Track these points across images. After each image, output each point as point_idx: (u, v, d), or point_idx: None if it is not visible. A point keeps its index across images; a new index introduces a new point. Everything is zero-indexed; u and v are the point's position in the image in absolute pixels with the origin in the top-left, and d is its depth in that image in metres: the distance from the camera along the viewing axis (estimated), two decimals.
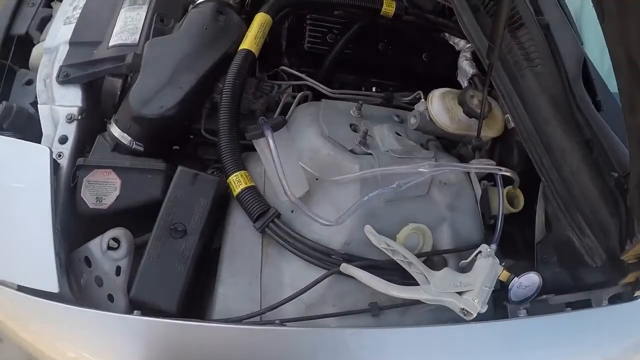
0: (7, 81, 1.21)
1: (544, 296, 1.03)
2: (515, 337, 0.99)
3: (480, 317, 0.92)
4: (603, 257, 1.00)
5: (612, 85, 1.04)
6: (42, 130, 1.09)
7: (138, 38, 1.14)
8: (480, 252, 0.97)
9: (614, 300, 1.06)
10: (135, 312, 0.91)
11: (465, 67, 1.24)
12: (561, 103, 1.09)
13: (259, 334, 0.89)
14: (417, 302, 0.94)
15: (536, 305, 1.04)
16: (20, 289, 0.90)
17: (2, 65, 1.24)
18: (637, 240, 0.90)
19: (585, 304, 1.06)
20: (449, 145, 1.24)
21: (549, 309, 1.04)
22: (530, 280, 0.99)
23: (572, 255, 1.04)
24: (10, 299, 0.93)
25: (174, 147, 1.21)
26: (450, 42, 1.37)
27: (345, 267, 0.91)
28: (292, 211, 1.01)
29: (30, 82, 1.20)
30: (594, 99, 1.18)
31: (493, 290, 0.97)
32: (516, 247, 1.18)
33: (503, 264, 0.97)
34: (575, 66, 1.14)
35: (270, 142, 0.90)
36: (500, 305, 1.03)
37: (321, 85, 1.21)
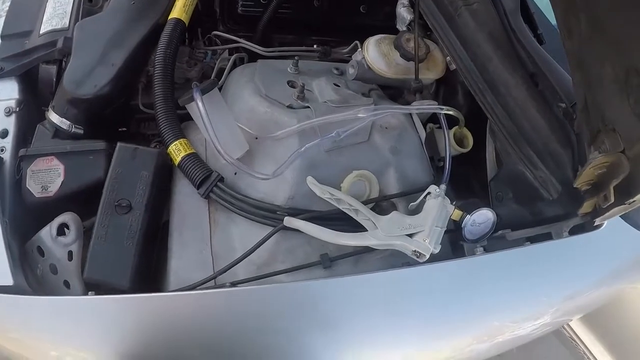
0: None
1: (500, 232, 1.06)
2: (472, 274, 1.02)
3: (437, 259, 0.95)
4: (558, 189, 1.02)
5: (552, 18, 1.06)
6: None
7: (68, 22, 1.16)
8: (429, 193, 0.99)
9: (575, 231, 1.09)
10: (90, 293, 0.94)
11: (403, 13, 1.26)
12: (500, 38, 1.11)
13: (210, 298, 0.93)
14: (369, 250, 0.97)
15: (494, 242, 1.06)
16: None
17: None
18: (589, 164, 0.91)
19: (546, 238, 1.08)
20: (396, 94, 1.26)
21: (508, 245, 1.06)
22: (483, 216, 1.01)
23: (527, 189, 1.07)
24: None
25: (120, 129, 1.24)
26: None
27: (289, 221, 0.93)
28: (235, 173, 1.04)
29: None
30: (535, 33, 1.20)
31: (448, 231, 1.00)
32: (471, 187, 1.21)
33: (454, 202, 0.99)
34: (513, 1, 1.16)
35: (199, 104, 0.93)
36: (458, 246, 1.06)
37: (255, 46, 1.23)
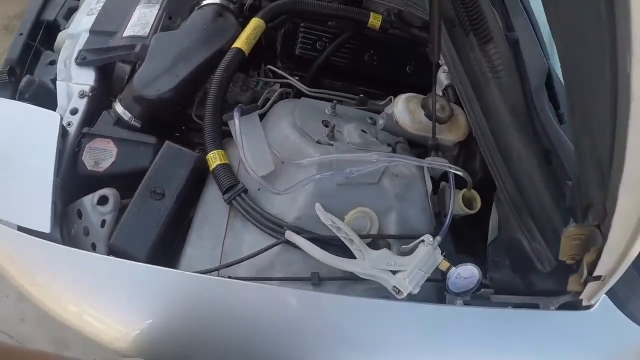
0: (34, 60, 1.48)
1: (484, 291, 1.14)
2: (448, 324, 1.10)
3: (413, 298, 1.04)
4: (553, 263, 1.07)
5: None
6: (58, 102, 1.33)
7: (148, 31, 1.38)
8: (422, 240, 1.10)
9: (564, 307, 1.10)
10: (112, 257, 1.10)
11: (442, 78, 1.41)
12: (521, 112, 1.21)
13: (211, 283, 1.06)
14: (357, 279, 1.10)
15: (477, 301, 1.12)
16: (20, 229, 1.10)
17: (30, 46, 1.50)
18: (563, 232, 0.95)
19: (533, 307, 1.12)
20: (423, 154, 1.36)
21: (490, 306, 1.13)
22: (469, 272, 1.08)
23: (522, 259, 1.13)
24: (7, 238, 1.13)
25: (175, 134, 1.44)
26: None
27: (289, 234, 1.08)
28: (258, 189, 1.21)
29: (53, 63, 1.45)
30: (557, 112, 1.30)
31: (435, 280, 1.10)
32: (474, 248, 1.29)
33: (444, 253, 1.09)
34: (539, 78, 1.27)
35: (236, 121, 1.10)
36: (442, 295, 1.15)
37: (300, 84, 1.42)
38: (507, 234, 1.18)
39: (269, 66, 1.48)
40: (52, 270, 1.10)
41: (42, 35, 1.54)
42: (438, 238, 1.11)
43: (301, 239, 1.07)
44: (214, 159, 1.21)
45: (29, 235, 1.08)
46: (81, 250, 1.08)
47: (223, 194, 1.19)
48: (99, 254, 1.10)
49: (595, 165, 0.87)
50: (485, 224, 1.27)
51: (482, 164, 1.30)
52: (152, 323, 1.03)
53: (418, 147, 1.40)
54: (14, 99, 1.38)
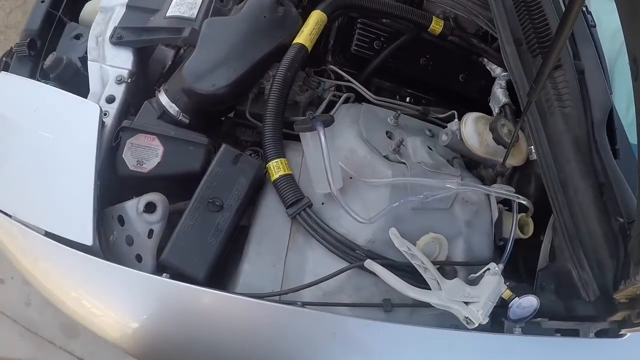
0: (56, 32, 1.31)
1: (538, 319, 1.19)
2: (507, 350, 1.15)
3: (480, 328, 1.06)
4: (596, 293, 1.13)
5: (633, 137, 1.19)
6: (90, 87, 1.19)
7: (196, 13, 1.24)
8: (488, 269, 1.12)
9: (600, 334, 1.18)
10: (164, 274, 1.01)
11: (499, 94, 1.39)
12: (583, 145, 1.23)
13: (278, 311, 1.02)
14: (427, 305, 1.09)
15: (530, 326, 1.17)
16: (49, 235, 1.00)
17: (52, 16, 1.32)
18: (632, 283, 1.03)
19: (574, 333, 1.19)
20: (470, 164, 1.39)
21: (541, 332, 1.18)
22: (529, 302, 1.12)
23: (569, 286, 1.17)
24: (39, 244, 1.04)
25: (220, 129, 1.32)
26: (487, 68, 1.51)
27: (370, 264, 1.04)
28: (322, 203, 1.15)
29: (79, 37, 1.30)
30: (613, 147, 1.31)
31: (494, 305, 1.13)
32: (517, 269, 1.33)
33: (507, 283, 1.12)
34: (602, 113, 1.27)
35: (322, 138, 1.03)
36: (497, 320, 1.17)
37: (365, 90, 1.35)
38: (559, 264, 1.22)
39: (331, 66, 1.39)
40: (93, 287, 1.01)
41: (67, 3, 1.36)
42: (501, 266, 1.14)
43: (382, 268, 1.04)
44: (277, 168, 1.13)
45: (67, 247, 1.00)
46: (137, 272, 1.00)
47: (287, 208, 1.12)
48: (151, 275, 1.02)
49: None
50: (530, 247, 1.31)
51: (536, 189, 1.34)
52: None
53: (472, 163, 1.39)
54: (34, 77, 1.22)
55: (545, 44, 1.27)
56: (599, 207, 1.19)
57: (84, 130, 1.08)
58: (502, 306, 1.14)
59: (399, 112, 1.27)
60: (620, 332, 1.17)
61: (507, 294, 1.11)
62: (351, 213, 1.05)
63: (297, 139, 1.16)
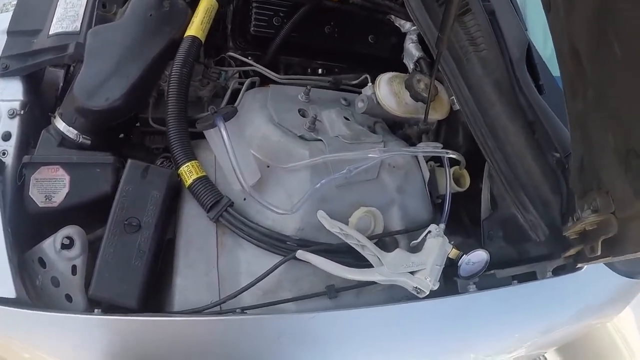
0: None
1: (492, 271, 1.16)
2: (466, 310, 1.13)
3: (433, 294, 1.03)
4: (546, 232, 1.13)
5: (555, 69, 1.15)
6: None
7: (79, 25, 1.17)
8: (430, 232, 1.09)
9: (557, 271, 1.20)
10: (96, 310, 0.97)
11: (412, 49, 1.35)
12: (505, 86, 1.21)
13: (221, 323, 0.99)
14: (372, 283, 1.06)
15: (484, 279, 1.16)
16: None
17: None
18: (579, 218, 1.02)
19: (531, 276, 1.19)
20: (394, 125, 1.34)
21: (496, 282, 1.17)
22: (478, 257, 1.11)
23: (516, 231, 1.17)
24: None
25: (120, 135, 1.26)
26: (396, 24, 1.46)
27: (302, 254, 1.00)
28: (244, 199, 1.10)
29: None
30: (537, 83, 1.29)
31: (443, 267, 1.10)
32: (462, 223, 1.32)
33: (452, 242, 1.08)
34: (519, 51, 1.25)
35: (224, 133, 0.98)
36: (450, 280, 1.16)
37: (269, 71, 1.29)
38: (502, 211, 1.21)
39: (230, 53, 1.32)
40: (30, 338, 0.97)
41: None
42: (442, 225, 1.12)
43: (316, 256, 0.99)
44: (190, 173, 1.08)
45: None
46: (64, 313, 0.96)
47: (207, 212, 1.07)
48: (84, 315, 0.98)
49: (620, 158, 0.89)
50: (470, 198, 1.29)
51: (465, 139, 1.33)
52: None
53: (396, 124, 1.34)
54: None
55: None
56: (532, 146, 1.18)
57: None
58: (451, 265, 1.12)
59: (308, 87, 1.21)
60: (578, 266, 1.17)
61: (454, 253, 1.10)
62: (270, 207, 1.00)
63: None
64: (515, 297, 1.18)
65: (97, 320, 0.97)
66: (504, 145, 1.18)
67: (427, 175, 1.18)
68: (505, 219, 1.19)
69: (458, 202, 1.27)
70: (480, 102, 1.19)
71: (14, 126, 1.12)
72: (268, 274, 1.01)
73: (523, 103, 1.20)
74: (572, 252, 1.13)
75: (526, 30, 1.42)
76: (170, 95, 1.12)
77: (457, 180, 1.25)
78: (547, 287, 1.21)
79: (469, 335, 1.17)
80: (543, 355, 1.74)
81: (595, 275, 1.26)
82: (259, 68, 1.29)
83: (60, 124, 1.11)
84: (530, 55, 1.29)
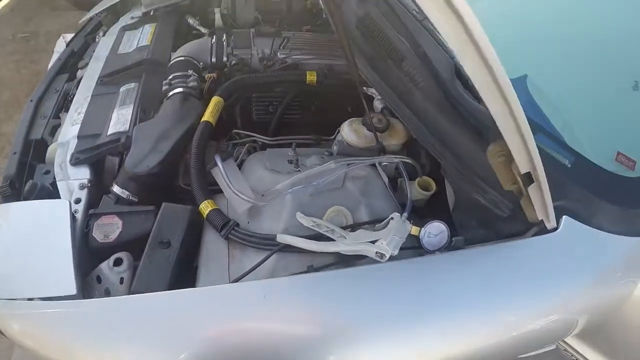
0: (30, 173, 1.70)
1: (454, 239, 1.26)
2: (427, 270, 1.23)
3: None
4: (510, 206, 1.23)
5: None
6: (61, 197, 1.56)
7: (128, 127, 1.67)
8: (392, 218, 1.30)
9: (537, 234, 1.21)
10: None
11: (377, 105, 1.76)
12: (443, 103, 1.43)
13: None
14: (346, 261, 1.31)
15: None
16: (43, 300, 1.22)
17: (24, 162, 1.73)
18: (487, 153, 1.11)
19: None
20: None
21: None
22: (437, 228, 1.25)
23: (484, 213, 1.29)
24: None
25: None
26: (369, 93, 1.89)
27: (280, 237, 1.31)
28: (247, 222, 1.45)
29: (48, 172, 1.67)
30: (468, 86, 1.41)
31: (413, 248, 1.29)
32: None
33: (412, 222, 1.27)
34: (449, 74, 1.45)
35: (219, 163, 1.38)
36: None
37: (262, 137, 1.74)
38: (463, 197, 1.40)
39: (235, 130, 1.79)
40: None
41: (33, 152, 1.78)
42: (405, 215, 1.33)
43: (290, 237, 1.30)
44: (206, 207, 1.45)
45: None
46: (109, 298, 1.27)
47: (220, 232, 1.41)
48: (123, 296, 1.27)
49: None
50: (445, 201, 1.52)
51: (427, 157, 1.61)
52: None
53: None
54: None
55: (390, 50, 1.61)
56: (478, 141, 1.32)
57: (59, 219, 1.39)
58: (419, 244, 1.27)
59: (294, 143, 1.62)
60: (551, 226, 1.22)
61: (415, 230, 1.26)
62: (235, 191, 1.37)
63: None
64: (480, 258, 1.24)
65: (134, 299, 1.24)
66: (451, 145, 1.38)
67: (385, 179, 1.50)
68: (469, 205, 1.36)
69: (436, 203, 1.50)
70: (424, 120, 1.44)
71: (83, 194, 1.53)
72: (264, 261, 1.31)
73: (463, 112, 1.38)
74: (527, 211, 1.17)
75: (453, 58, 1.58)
76: (192, 162, 1.54)
77: (424, 187, 1.52)
78: (520, 250, 1.24)
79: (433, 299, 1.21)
80: (564, 340, 1.62)
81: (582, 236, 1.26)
82: (255, 136, 1.74)
83: (117, 189, 1.54)
84: (460, 73, 1.44)
